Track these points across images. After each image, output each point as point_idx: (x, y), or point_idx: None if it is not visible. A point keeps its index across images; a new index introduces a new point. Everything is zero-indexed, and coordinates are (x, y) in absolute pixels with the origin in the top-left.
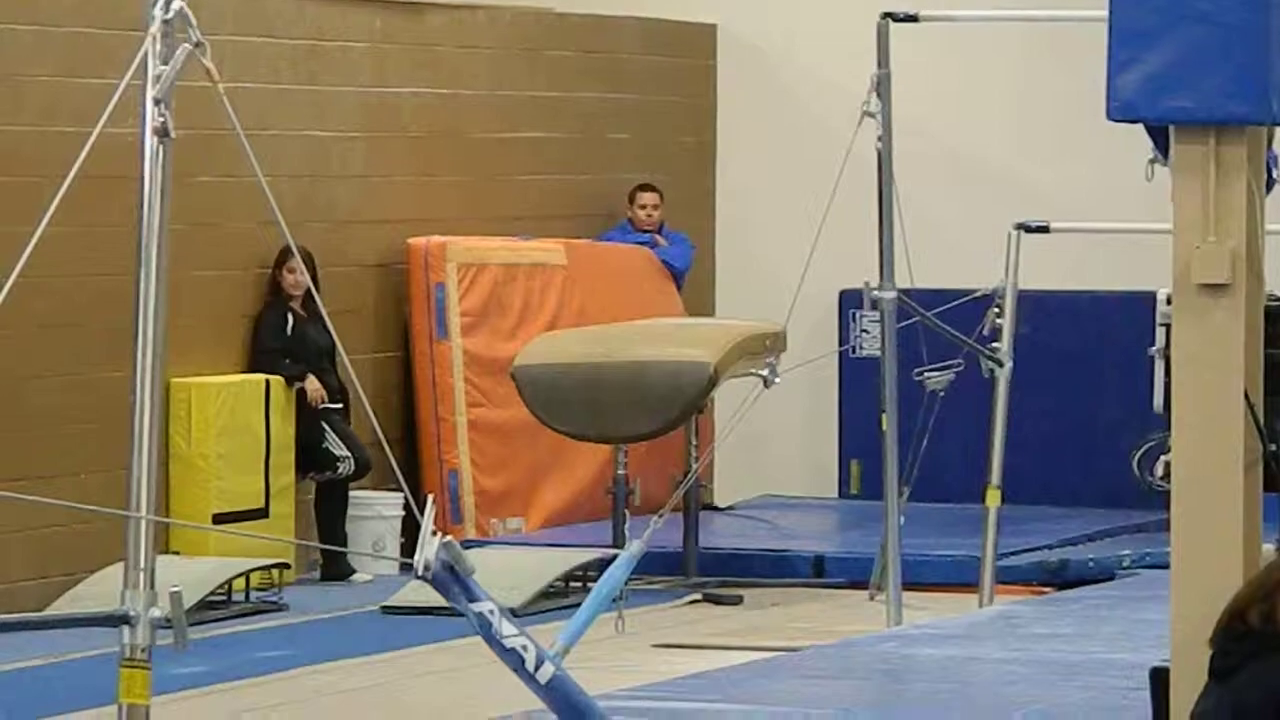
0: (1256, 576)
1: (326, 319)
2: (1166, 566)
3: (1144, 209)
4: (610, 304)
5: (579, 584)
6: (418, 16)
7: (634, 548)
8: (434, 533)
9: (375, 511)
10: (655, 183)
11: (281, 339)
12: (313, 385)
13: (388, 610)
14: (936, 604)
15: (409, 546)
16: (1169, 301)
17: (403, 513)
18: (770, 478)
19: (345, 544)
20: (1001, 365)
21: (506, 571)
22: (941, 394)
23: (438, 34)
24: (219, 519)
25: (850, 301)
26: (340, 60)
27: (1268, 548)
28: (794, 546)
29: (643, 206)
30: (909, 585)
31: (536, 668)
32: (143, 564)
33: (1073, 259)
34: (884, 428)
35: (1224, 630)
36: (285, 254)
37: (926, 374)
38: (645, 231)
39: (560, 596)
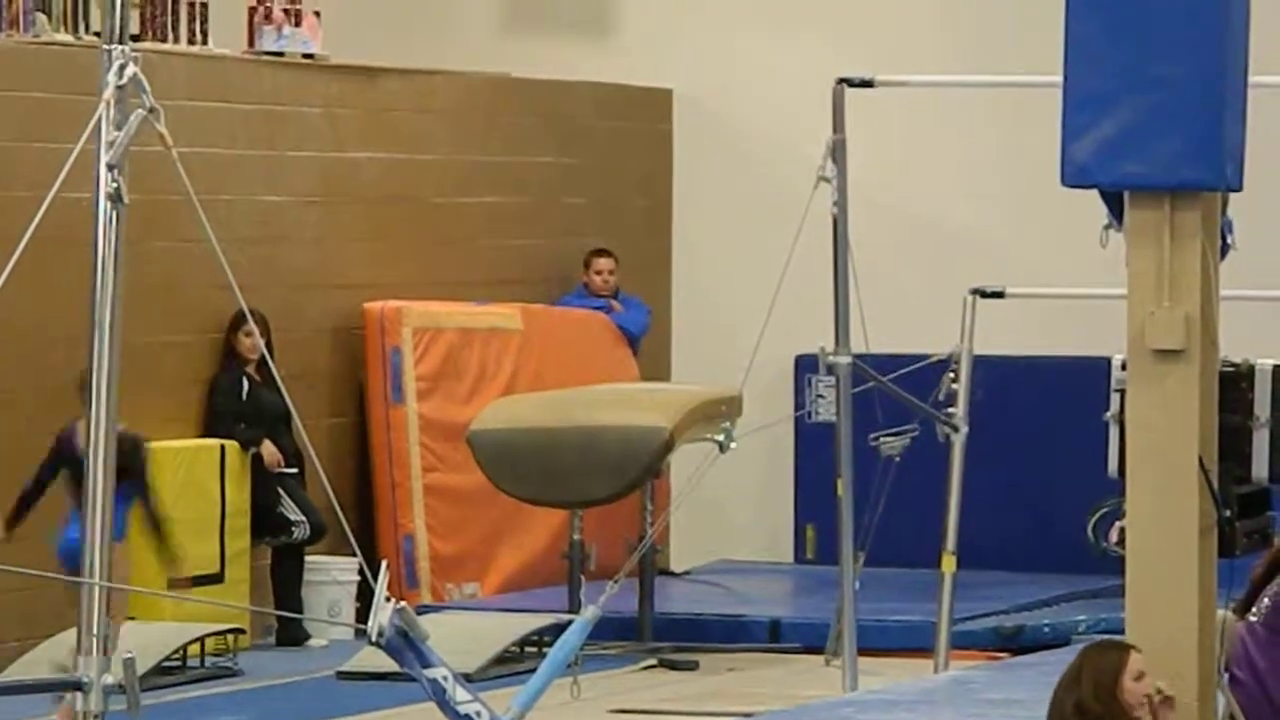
0: (1066, 670)
1: (281, 383)
2: (1122, 632)
3: (1099, 274)
4: (566, 368)
5: (534, 649)
6: (373, 81)
7: (589, 613)
8: (388, 598)
9: (330, 576)
10: (611, 247)
11: (236, 403)
12: (268, 450)
13: (343, 675)
14: (892, 669)
15: (364, 611)
16: (1124, 367)
17: (358, 578)
18: (726, 543)
19: (301, 609)
20: (957, 430)
21: (462, 636)
22: (897, 459)
23: (393, 98)
24: (174, 584)
25: (806, 366)
26: (295, 125)
27: (1222, 613)
28: (750, 612)
29: (598, 272)
30: (864, 650)
31: None
32: (96, 630)
33: (1028, 324)
34: (839, 492)
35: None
36: (239, 318)
37: (882, 439)
38: (601, 296)
39: (515, 661)
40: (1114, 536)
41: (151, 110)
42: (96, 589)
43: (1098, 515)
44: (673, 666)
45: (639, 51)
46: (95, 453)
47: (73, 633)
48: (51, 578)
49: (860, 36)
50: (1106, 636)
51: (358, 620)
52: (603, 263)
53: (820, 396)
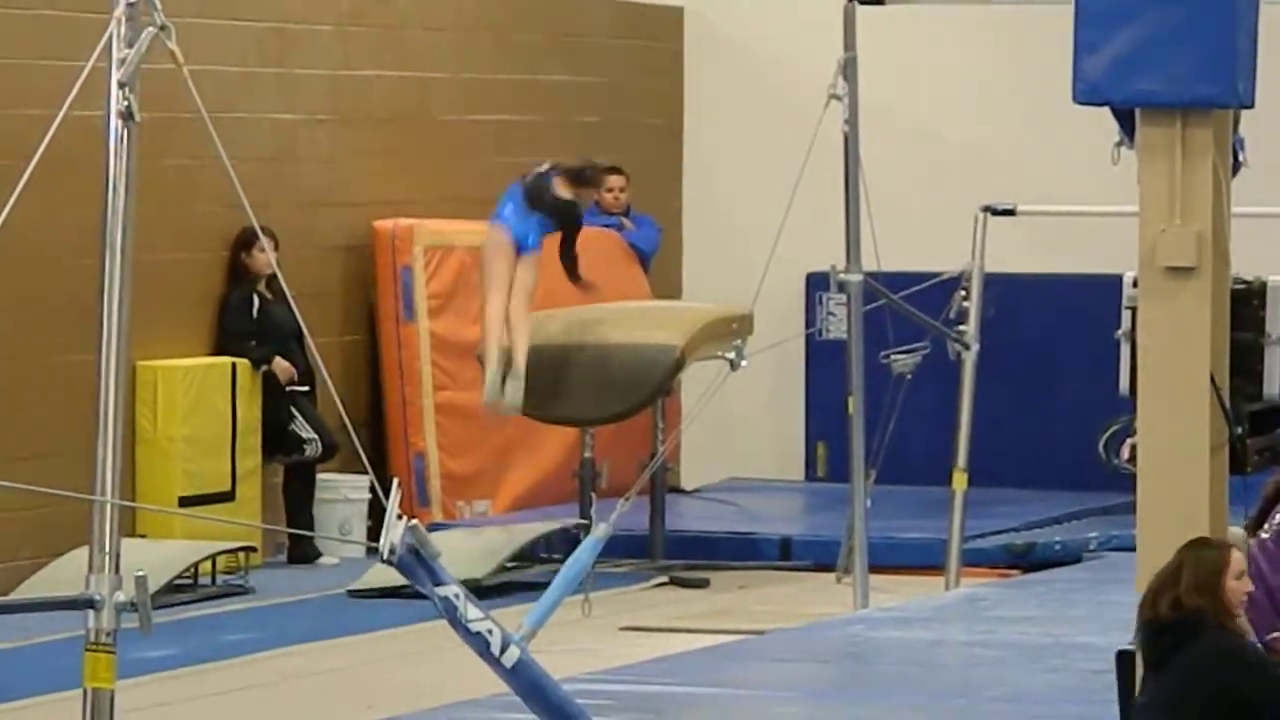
0: (1163, 567)
1: (292, 301)
2: (1133, 549)
3: (1110, 192)
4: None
5: (544, 560)
6: None
7: (601, 530)
8: (400, 516)
9: (342, 494)
10: (622, 165)
11: (247, 321)
12: (281, 364)
13: (354, 594)
14: (903, 587)
15: (376, 530)
16: (1135, 284)
17: (369, 496)
18: (737, 460)
19: (312, 527)
20: (968, 348)
21: (471, 554)
22: (908, 377)
23: (405, 16)
24: (185, 502)
25: (817, 284)
26: (307, 43)
27: (1233, 530)
28: (761, 529)
29: (609, 190)
30: (875, 568)
31: (502, 651)
32: (108, 548)
33: (1039, 242)
34: (850, 410)
35: (1145, 625)
36: (249, 236)
37: (893, 357)
38: (612, 214)
39: (525, 568)
40: (1125, 454)
41: (163, 28)
42: (109, 506)
43: (1109, 433)
44: (683, 584)
45: None
46: (107, 367)
47: (83, 551)
48: (64, 495)
49: None
50: (1205, 537)
51: (369, 538)
52: (615, 180)
53: (831, 314)
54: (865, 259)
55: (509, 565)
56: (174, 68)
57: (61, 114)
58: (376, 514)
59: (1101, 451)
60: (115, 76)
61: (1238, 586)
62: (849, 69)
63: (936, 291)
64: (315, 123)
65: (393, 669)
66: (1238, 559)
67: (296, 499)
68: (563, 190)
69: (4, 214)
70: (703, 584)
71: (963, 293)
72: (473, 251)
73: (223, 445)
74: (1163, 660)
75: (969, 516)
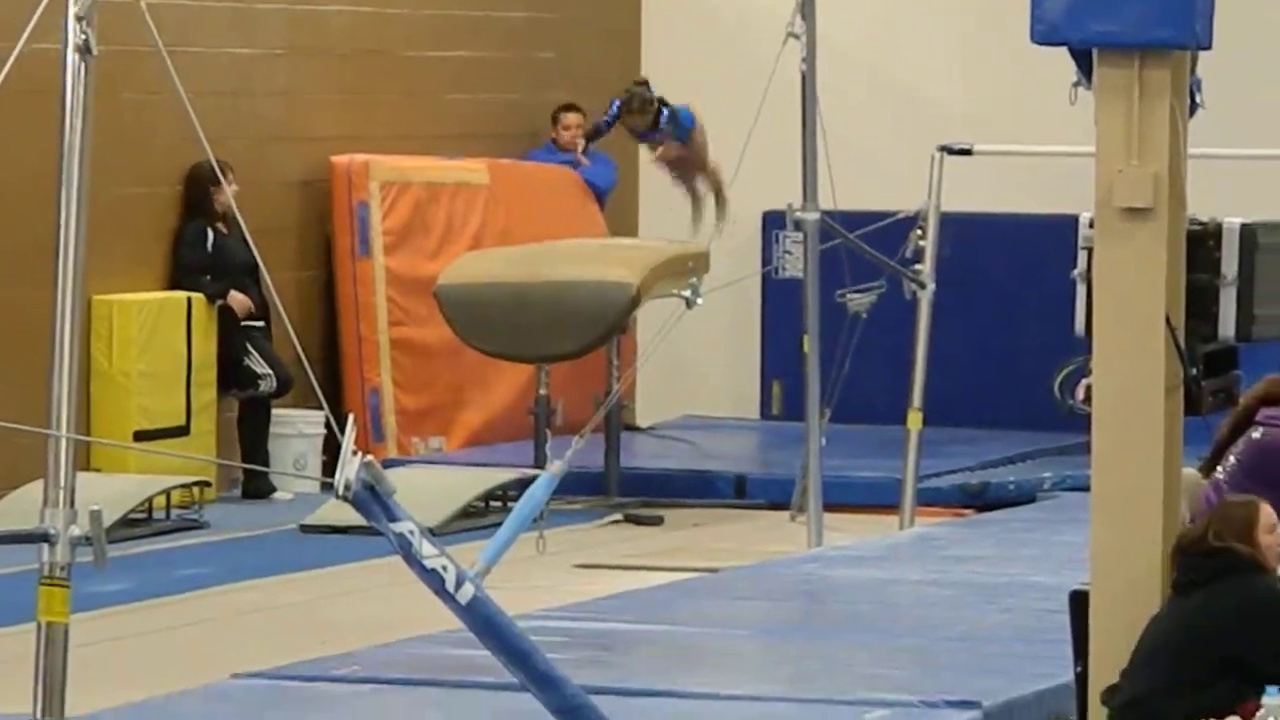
0: (1230, 503)
1: (248, 236)
2: (1087, 489)
3: (1068, 132)
4: (533, 224)
5: (499, 504)
6: None
7: (555, 468)
8: (355, 452)
9: (297, 430)
10: (579, 102)
11: (202, 256)
12: (237, 298)
13: (307, 529)
14: (857, 525)
15: (330, 465)
16: (1091, 225)
17: (324, 431)
18: (692, 398)
19: (267, 462)
20: (924, 287)
21: (427, 490)
22: (864, 316)
23: None
24: (140, 436)
25: (773, 223)
26: None
27: (1188, 471)
28: (715, 467)
29: (566, 127)
30: (830, 506)
31: (456, 588)
32: (63, 482)
33: (996, 182)
34: (806, 349)
35: (1182, 551)
36: (205, 170)
37: (849, 295)
38: (569, 152)
39: (480, 516)
40: (1080, 394)
41: None
42: (64, 440)
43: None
44: (638, 522)
45: None
46: (63, 301)
47: (38, 485)
48: (18, 429)
49: None
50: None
51: (324, 474)
52: (571, 118)
53: (787, 253)
54: (822, 198)
55: (467, 511)
56: (131, 1)
57: (18, 48)
58: (331, 450)
59: (1056, 392)
60: (73, 10)
61: (1271, 540)
62: (807, 7)
63: (893, 231)
64: (273, 57)
65: (347, 604)
66: (1267, 513)
67: (251, 434)
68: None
69: None
70: (657, 521)
71: (919, 232)
72: (429, 187)
73: (178, 380)
74: (1191, 586)
75: (924, 456)
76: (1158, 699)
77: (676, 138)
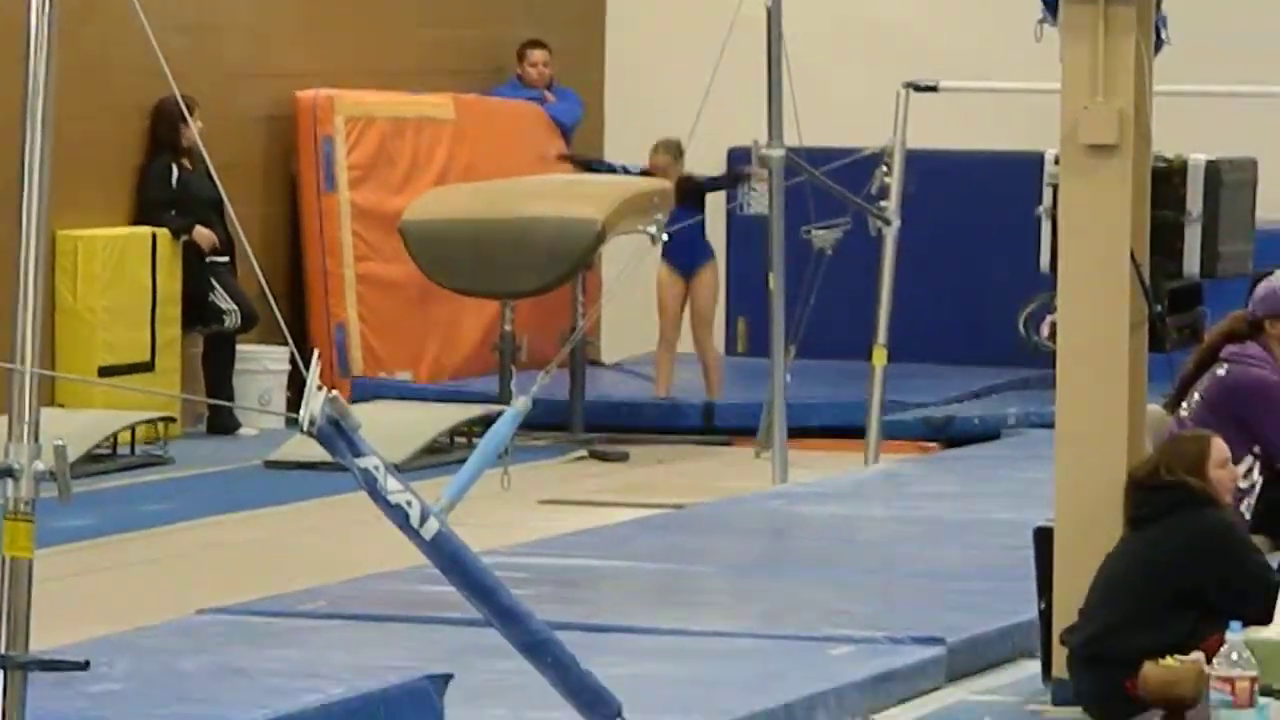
0: (1181, 438)
1: (213, 171)
2: (1052, 425)
3: (1033, 69)
4: (499, 160)
5: (465, 440)
6: None
7: (520, 403)
8: (320, 387)
9: (262, 365)
10: (544, 38)
11: (167, 191)
12: (202, 233)
13: (272, 465)
14: (822, 461)
15: (296, 401)
16: (1057, 161)
17: (289, 367)
18: (657, 334)
19: (232, 398)
20: (889, 224)
21: (393, 426)
22: (829, 252)
23: None
24: (105, 372)
25: (739, 159)
26: None
27: (1153, 408)
28: (682, 398)
29: (533, 64)
30: (794, 434)
31: (421, 523)
32: (27, 417)
33: (961, 118)
34: (771, 285)
35: (1135, 485)
36: (169, 105)
37: (814, 232)
38: (535, 88)
39: (445, 452)
40: (1045, 331)
41: None
42: (28, 375)
43: (1029, 310)
44: (603, 458)
45: None
46: (28, 236)
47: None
48: None
49: None
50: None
51: (289, 409)
52: (537, 54)
53: (753, 189)
54: (787, 134)
55: (432, 447)
56: None
57: None
58: (297, 385)
59: (1022, 328)
60: None
61: (1222, 475)
62: None
63: (858, 167)
64: None
65: (312, 540)
66: (1219, 446)
67: (216, 370)
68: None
69: None
70: (622, 458)
71: (884, 169)
72: (394, 122)
73: (142, 315)
74: (1144, 521)
75: (889, 392)
76: (1116, 635)
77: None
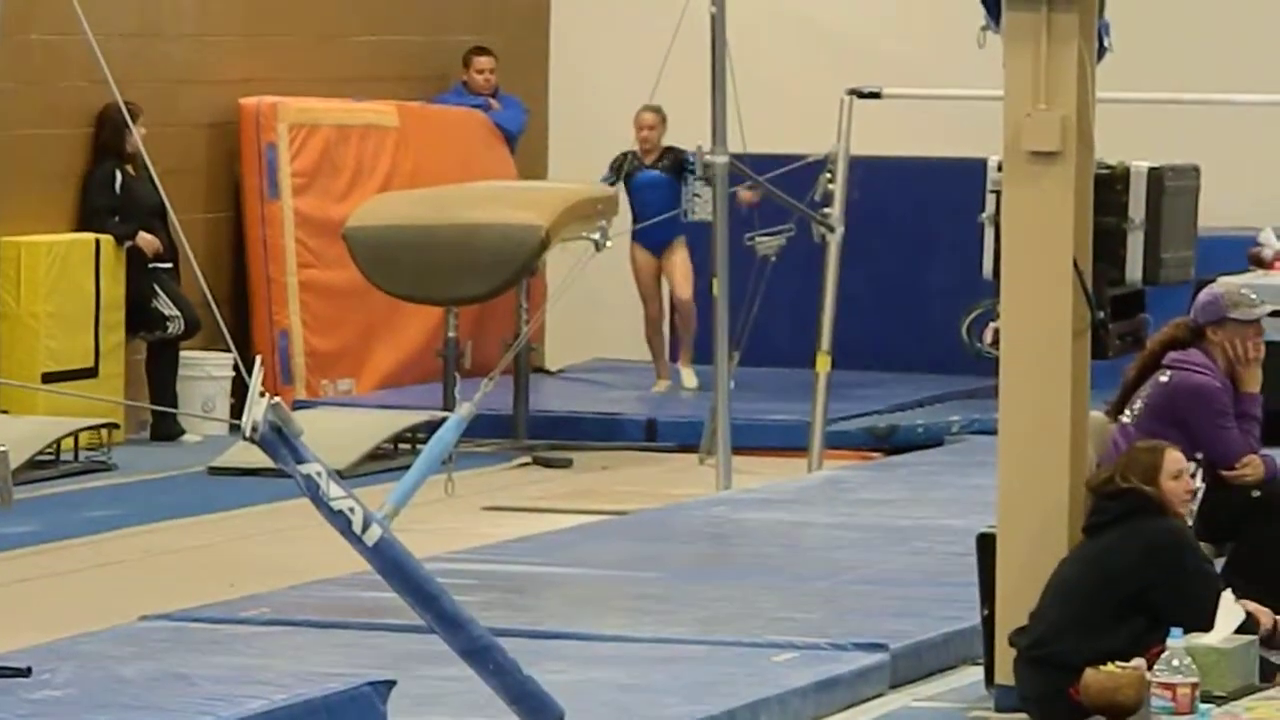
0: (1137, 448)
1: (156, 178)
2: (995, 432)
3: (976, 76)
4: (443, 166)
5: (408, 446)
6: None
7: (464, 410)
8: (262, 394)
9: (205, 372)
10: (489, 44)
11: (111, 197)
12: (146, 238)
13: (215, 471)
14: (766, 468)
15: (239, 407)
16: (1000, 168)
17: (233, 373)
18: (601, 341)
19: (175, 404)
20: (833, 230)
21: (336, 433)
22: (773, 259)
23: None
24: (48, 378)
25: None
26: None
27: (1095, 414)
28: (625, 410)
29: (479, 71)
30: (739, 450)
31: (364, 530)
32: None
33: (905, 125)
34: (714, 292)
35: (1096, 491)
36: (113, 112)
37: (758, 239)
38: (480, 95)
39: (389, 458)
40: (988, 338)
41: None
42: None
43: (972, 316)
44: (547, 464)
45: None
46: None
47: None
48: None
49: None
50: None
51: (232, 416)
52: (483, 61)
53: (697, 195)
54: (731, 141)
55: (375, 453)
56: None
57: None
58: (240, 392)
59: (965, 335)
60: None
61: (1175, 487)
62: None
63: (802, 174)
64: None
65: (255, 547)
66: (1173, 458)
67: (159, 376)
68: None
69: None
70: (566, 464)
71: (828, 175)
72: (338, 129)
73: (86, 322)
74: (1099, 528)
75: (832, 399)
76: (1066, 639)
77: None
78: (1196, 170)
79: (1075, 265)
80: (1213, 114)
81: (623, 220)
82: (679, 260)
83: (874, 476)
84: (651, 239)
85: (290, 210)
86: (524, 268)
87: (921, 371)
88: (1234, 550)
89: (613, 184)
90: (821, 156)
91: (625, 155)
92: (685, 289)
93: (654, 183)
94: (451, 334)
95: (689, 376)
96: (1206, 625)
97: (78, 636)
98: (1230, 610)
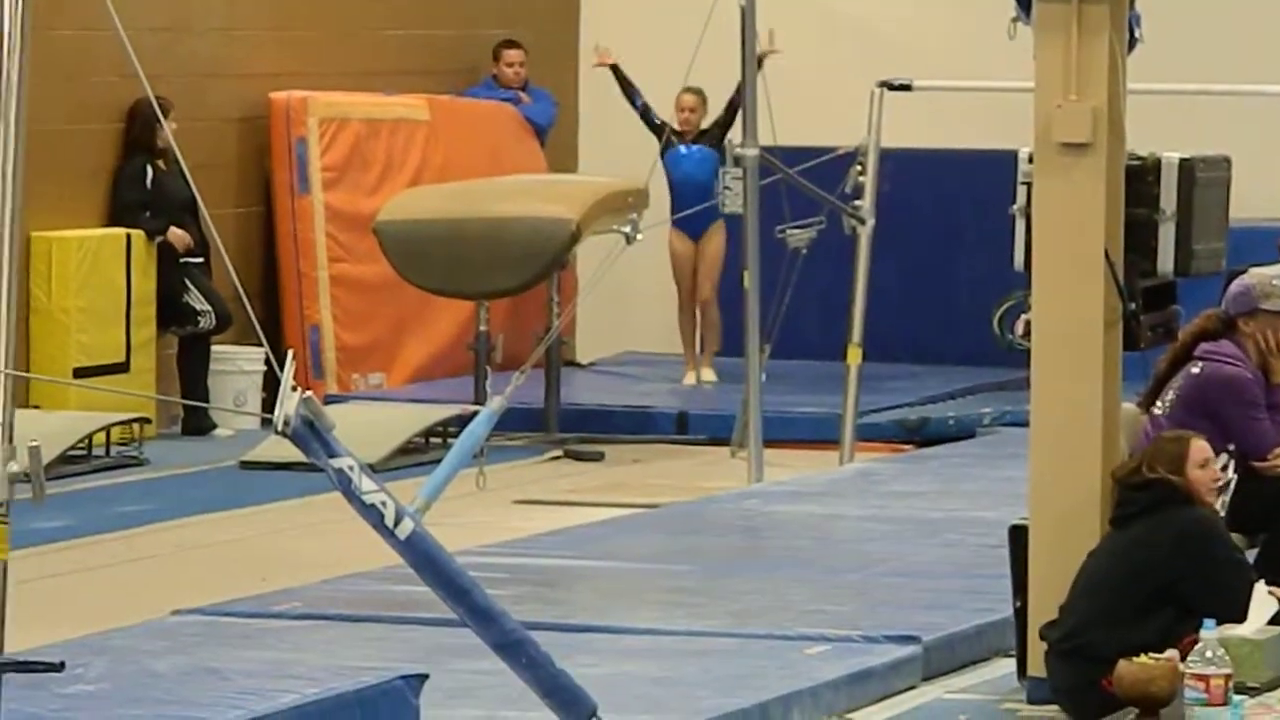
0: (1163, 438)
1: (187, 172)
2: (1026, 424)
3: (1007, 67)
4: (473, 160)
5: (439, 440)
6: None
7: (495, 404)
8: (294, 388)
9: (237, 366)
10: (519, 38)
11: (142, 192)
12: (176, 233)
13: (247, 465)
14: (797, 461)
15: (271, 402)
16: (1030, 160)
17: (264, 368)
18: (632, 334)
19: (207, 399)
20: (863, 223)
21: (367, 427)
22: (803, 251)
23: None
24: (80, 373)
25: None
26: None
27: (1127, 406)
28: (656, 403)
29: (510, 64)
30: (770, 442)
31: (396, 524)
32: (2, 418)
33: (936, 117)
34: (746, 285)
35: (1123, 482)
36: (144, 106)
37: (789, 231)
38: (510, 88)
39: (420, 452)
40: (1020, 329)
41: None
42: (3, 377)
43: (1003, 308)
44: (578, 458)
45: None
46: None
47: None
48: None
49: None
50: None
51: (264, 410)
52: (513, 54)
53: (728, 188)
54: (762, 133)
55: (407, 447)
56: None
57: None
58: (271, 386)
59: (996, 327)
60: None
61: (1202, 475)
62: None
63: (833, 167)
64: None
65: (287, 541)
66: (1198, 449)
67: (191, 371)
68: None
69: None
70: (597, 457)
71: (859, 168)
72: (368, 123)
73: (117, 317)
74: (1127, 519)
75: (863, 392)
76: (1096, 631)
77: None
78: (1228, 161)
79: (1106, 257)
80: (1243, 105)
81: (654, 213)
82: (711, 251)
83: (905, 469)
84: (689, 224)
85: (321, 204)
86: (554, 261)
87: (952, 364)
88: (1266, 541)
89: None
90: (852, 149)
91: (664, 125)
92: (706, 287)
93: (695, 157)
94: (483, 328)
95: (708, 374)
96: (1239, 615)
97: (110, 631)
98: (1264, 601)
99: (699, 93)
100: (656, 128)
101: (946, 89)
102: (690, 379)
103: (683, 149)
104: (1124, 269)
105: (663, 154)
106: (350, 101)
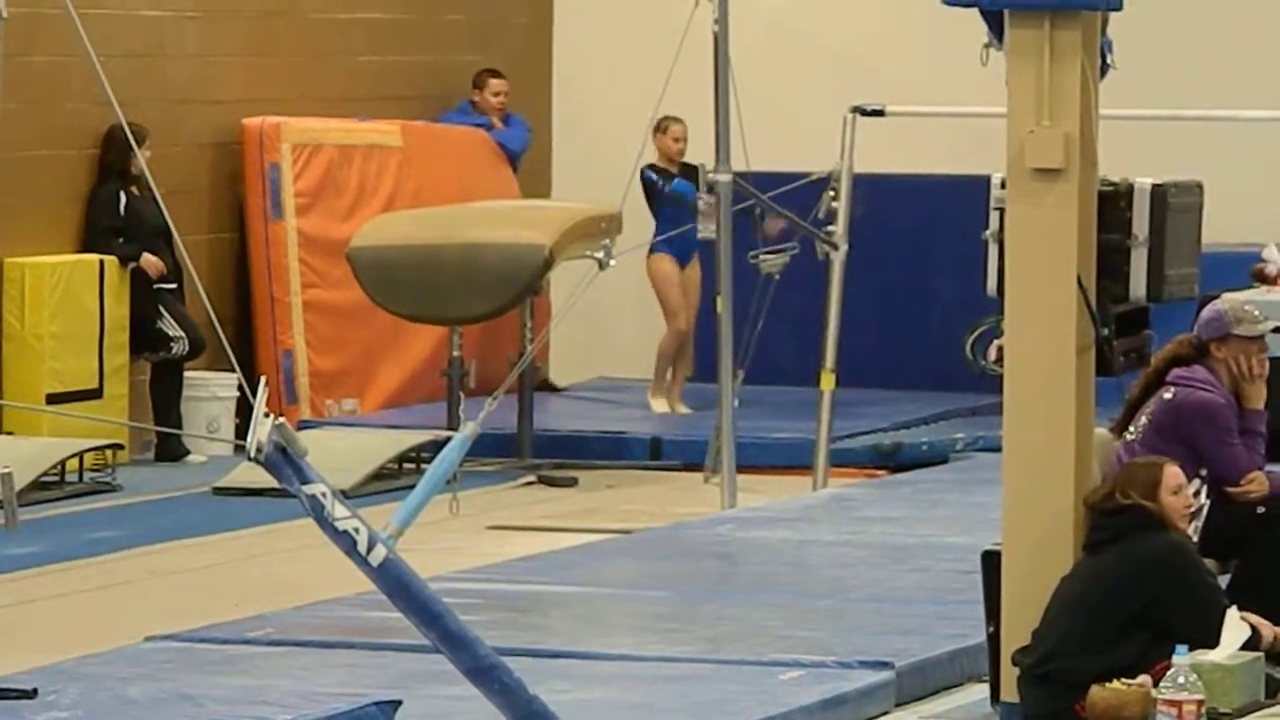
0: (1135, 464)
1: (159, 199)
2: (999, 450)
3: (980, 93)
4: (446, 186)
5: (413, 466)
6: None
7: (468, 429)
8: (267, 414)
9: (210, 392)
10: (492, 64)
11: (115, 218)
12: (149, 259)
13: (220, 491)
14: (771, 487)
15: (244, 428)
16: (1003, 185)
17: (238, 394)
18: (606, 360)
19: (180, 425)
20: (836, 248)
21: (340, 453)
22: (776, 277)
23: None
24: (52, 399)
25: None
26: None
27: (1100, 431)
28: (630, 429)
29: (495, 94)
30: (744, 468)
31: (369, 550)
32: None
33: (908, 142)
34: (719, 310)
35: (1090, 510)
36: (117, 133)
37: (762, 257)
38: (486, 115)
39: (393, 478)
40: (992, 355)
41: None
42: None
43: (976, 334)
44: (552, 483)
45: None
46: None
47: None
48: None
49: None
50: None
51: (237, 436)
52: (497, 84)
53: (701, 214)
54: (734, 159)
55: (380, 473)
56: None
57: None
58: (245, 412)
59: (969, 352)
60: None
61: (1174, 501)
62: None
63: (805, 192)
64: (184, 19)
65: (260, 567)
66: (1172, 473)
67: (164, 397)
68: None
69: None
70: (571, 483)
71: (831, 193)
72: (341, 149)
73: (90, 343)
74: (1100, 545)
75: (837, 417)
76: (1069, 657)
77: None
78: (1200, 187)
79: (1079, 282)
80: (1216, 130)
81: (628, 237)
82: (695, 278)
83: (879, 494)
84: (681, 249)
85: (294, 230)
86: (528, 287)
87: (926, 389)
88: (1238, 567)
89: (671, 192)
90: (825, 174)
91: (653, 171)
92: (690, 316)
93: (688, 191)
94: (456, 353)
95: (681, 407)
96: (1212, 640)
97: (83, 658)
98: (1236, 626)
99: (683, 122)
100: (659, 186)
101: (919, 114)
102: (661, 406)
103: (675, 184)
104: (1096, 294)
105: (664, 191)
106: (323, 127)
